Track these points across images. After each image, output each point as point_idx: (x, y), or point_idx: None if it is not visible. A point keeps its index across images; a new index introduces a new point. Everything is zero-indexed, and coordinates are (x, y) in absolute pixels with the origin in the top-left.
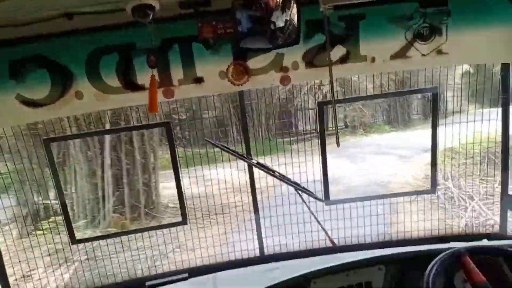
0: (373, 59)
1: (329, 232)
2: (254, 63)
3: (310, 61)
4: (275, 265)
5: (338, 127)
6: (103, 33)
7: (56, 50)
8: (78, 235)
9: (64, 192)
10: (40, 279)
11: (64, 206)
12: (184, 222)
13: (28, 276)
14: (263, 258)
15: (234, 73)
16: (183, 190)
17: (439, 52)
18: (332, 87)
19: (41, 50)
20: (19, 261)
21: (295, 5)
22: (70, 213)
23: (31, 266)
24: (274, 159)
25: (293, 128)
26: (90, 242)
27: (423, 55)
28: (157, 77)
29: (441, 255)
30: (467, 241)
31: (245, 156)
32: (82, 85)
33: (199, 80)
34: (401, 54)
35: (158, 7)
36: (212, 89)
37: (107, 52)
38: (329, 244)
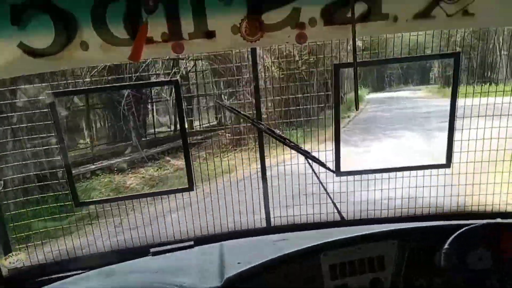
0: (395, 18)
1: (339, 205)
2: (269, 18)
3: (329, 17)
4: (283, 235)
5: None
6: None
7: None
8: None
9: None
10: (42, 243)
11: (67, 166)
12: (190, 188)
13: (30, 238)
14: (270, 229)
15: (248, 28)
16: (190, 154)
17: (466, 12)
18: (354, 46)
19: None
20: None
21: None
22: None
23: (34, 228)
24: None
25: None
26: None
27: (449, 15)
28: (165, 30)
29: (457, 233)
30: (482, 218)
31: (255, 120)
32: (88, 34)
33: (210, 35)
34: (425, 13)
35: None
36: (224, 45)
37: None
38: (338, 218)
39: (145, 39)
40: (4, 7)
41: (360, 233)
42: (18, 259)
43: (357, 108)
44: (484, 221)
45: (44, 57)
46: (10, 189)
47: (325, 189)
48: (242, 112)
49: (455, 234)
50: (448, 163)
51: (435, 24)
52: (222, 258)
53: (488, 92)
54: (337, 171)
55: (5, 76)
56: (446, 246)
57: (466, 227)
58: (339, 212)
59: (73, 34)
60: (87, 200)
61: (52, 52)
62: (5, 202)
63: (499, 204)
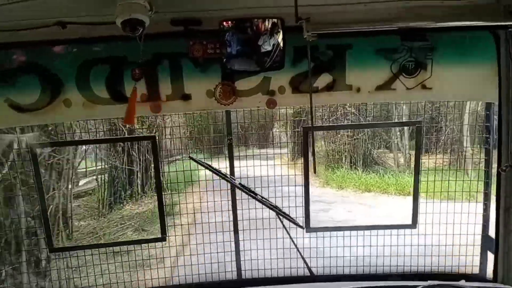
0: (358, 89)
1: (308, 260)
2: (242, 84)
3: (297, 86)
4: None
5: None
6: (95, 44)
7: (48, 58)
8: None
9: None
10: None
11: (44, 213)
12: (163, 238)
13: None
14: (240, 282)
15: (222, 92)
16: (164, 205)
17: (424, 86)
18: (312, 113)
19: (32, 56)
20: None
21: (281, 31)
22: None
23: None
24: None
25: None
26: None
27: (408, 88)
28: (145, 91)
29: None
30: (446, 280)
31: (228, 176)
32: (71, 93)
33: (186, 97)
34: (386, 86)
35: (148, 22)
36: (199, 107)
37: (98, 63)
38: (307, 273)
39: (135, 103)
40: None
41: None
42: None
43: (315, 172)
44: (432, 283)
45: (29, 112)
46: None
47: (295, 245)
48: (215, 168)
49: None
50: (413, 224)
51: (396, 96)
52: None
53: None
54: (307, 227)
55: None
56: None
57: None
58: (308, 267)
59: (58, 92)
60: (61, 247)
61: (37, 108)
62: None
63: (465, 266)
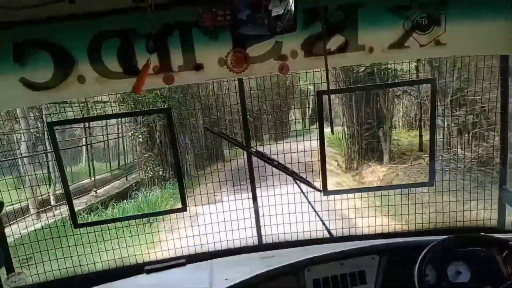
0: (371, 49)
1: (327, 223)
2: (253, 50)
3: (309, 49)
4: (271, 252)
5: None
6: (104, 18)
7: (58, 34)
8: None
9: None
10: (42, 262)
11: (67, 190)
12: (184, 208)
13: (30, 259)
14: (260, 247)
15: (234, 60)
16: (183, 176)
17: (438, 42)
18: (327, 76)
19: (43, 33)
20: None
21: None
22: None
23: (33, 250)
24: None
25: None
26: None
27: (421, 45)
28: (157, 63)
29: (432, 244)
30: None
31: (244, 144)
32: (84, 69)
33: (198, 67)
34: (399, 44)
35: None
36: (212, 76)
37: (108, 37)
38: (326, 235)
39: (147, 75)
40: (6, 45)
41: (342, 249)
42: (20, 278)
43: (332, 132)
44: (457, 235)
45: (43, 90)
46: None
47: (314, 208)
48: (231, 137)
49: (427, 248)
50: (431, 181)
51: (409, 54)
52: (212, 275)
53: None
54: (325, 190)
55: (8, 109)
56: (419, 259)
57: (437, 241)
58: (327, 229)
59: (71, 69)
60: (85, 222)
61: (51, 86)
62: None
63: (483, 220)
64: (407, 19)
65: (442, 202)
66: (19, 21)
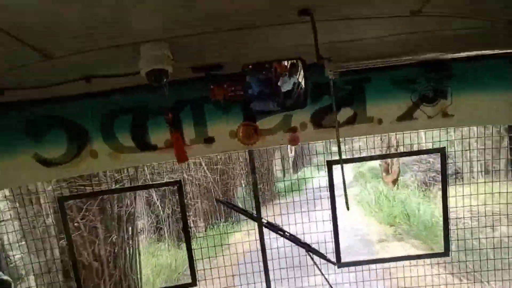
0: (380, 121)
1: None
2: (263, 123)
3: (318, 122)
4: None
5: None
6: (118, 95)
7: (73, 111)
8: None
9: None
10: None
11: (74, 264)
12: (194, 283)
13: None
14: None
15: (244, 133)
16: (193, 252)
17: (445, 114)
18: (339, 147)
19: (58, 111)
20: None
21: (302, 70)
22: None
23: None
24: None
25: None
26: None
27: (429, 117)
28: (169, 138)
29: None
30: None
31: (255, 215)
32: (97, 144)
33: (210, 140)
34: (407, 116)
35: (171, 71)
36: (223, 149)
37: (121, 113)
38: None
39: (181, 142)
40: (20, 122)
41: None
42: None
43: (348, 208)
44: None
45: (57, 165)
46: None
47: (328, 281)
48: (242, 209)
49: None
50: (446, 252)
51: (417, 125)
52: None
53: None
54: (338, 263)
55: (20, 184)
56: None
57: None
58: None
59: (84, 145)
60: None
61: (64, 161)
62: None
63: None
64: (414, 92)
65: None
66: (35, 99)
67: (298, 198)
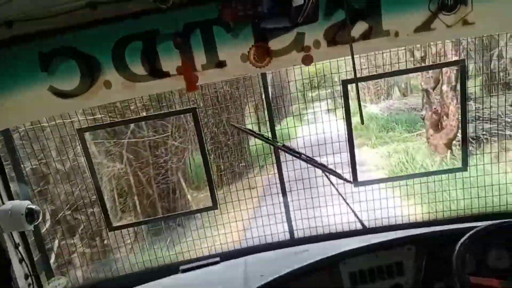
0: (396, 33)
1: (359, 214)
2: (275, 44)
3: (332, 38)
4: (304, 247)
5: None
6: (126, 21)
7: (83, 41)
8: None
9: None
10: (81, 265)
11: (100, 195)
12: (214, 207)
13: (68, 260)
14: (293, 241)
15: (256, 55)
16: (212, 175)
17: (465, 22)
18: (354, 64)
19: (68, 41)
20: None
21: None
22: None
23: (71, 250)
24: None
25: None
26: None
27: (448, 26)
28: (180, 63)
29: (471, 232)
30: (500, 219)
31: (271, 139)
32: (110, 74)
33: (221, 64)
34: (425, 26)
35: None
36: (235, 72)
37: (131, 40)
38: (359, 226)
39: (191, 71)
40: (34, 56)
41: (378, 241)
42: (59, 283)
43: (362, 122)
44: (497, 221)
45: (72, 97)
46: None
47: (345, 200)
48: (257, 132)
49: (468, 235)
50: (464, 167)
51: (436, 35)
52: (246, 272)
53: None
54: (355, 182)
55: (38, 118)
56: (458, 247)
57: (478, 228)
58: (360, 221)
59: (97, 75)
60: (119, 225)
61: (79, 93)
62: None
63: None
64: (432, 0)
65: (477, 187)
66: (44, 30)
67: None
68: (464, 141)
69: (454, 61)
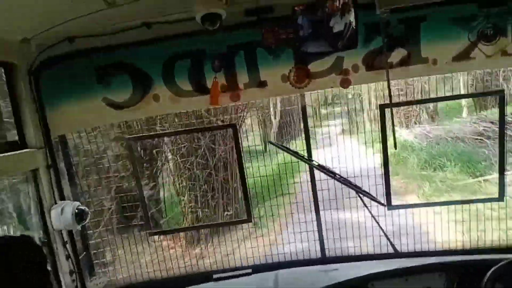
0: (434, 61)
1: (391, 238)
2: (314, 66)
3: (370, 63)
4: (334, 266)
5: None
6: (177, 40)
7: (137, 57)
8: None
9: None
10: (121, 268)
11: (142, 200)
12: (249, 219)
13: (111, 263)
14: (324, 260)
15: (296, 76)
16: (248, 189)
17: (504, 53)
18: (389, 89)
19: (123, 57)
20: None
21: (353, 10)
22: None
23: (114, 254)
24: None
25: None
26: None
27: (488, 56)
28: (224, 82)
29: (501, 263)
30: None
31: (307, 158)
32: (159, 88)
33: (262, 84)
34: (464, 55)
35: (225, 15)
36: (275, 92)
37: (180, 58)
38: (390, 250)
39: (218, 89)
40: (91, 69)
41: (408, 265)
42: (101, 281)
43: (395, 147)
44: None
45: (123, 108)
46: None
47: (378, 223)
48: (294, 151)
49: (498, 265)
50: (501, 197)
51: (475, 64)
52: (277, 285)
53: None
54: (389, 205)
55: (91, 126)
56: (487, 276)
57: (506, 261)
58: (392, 244)
59: (148, 89)
60: (159, 230)
61: (131, 104)
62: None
63: None
64: (471, 30)
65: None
66: (102, 46)
67: None
68: (502, 171)
69: (494, 91)
